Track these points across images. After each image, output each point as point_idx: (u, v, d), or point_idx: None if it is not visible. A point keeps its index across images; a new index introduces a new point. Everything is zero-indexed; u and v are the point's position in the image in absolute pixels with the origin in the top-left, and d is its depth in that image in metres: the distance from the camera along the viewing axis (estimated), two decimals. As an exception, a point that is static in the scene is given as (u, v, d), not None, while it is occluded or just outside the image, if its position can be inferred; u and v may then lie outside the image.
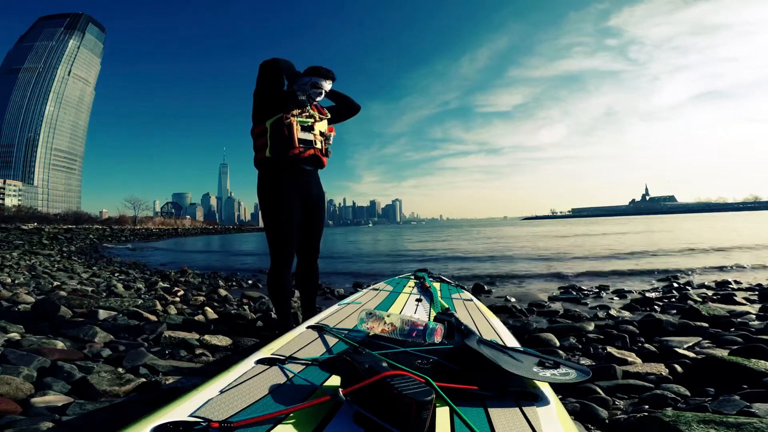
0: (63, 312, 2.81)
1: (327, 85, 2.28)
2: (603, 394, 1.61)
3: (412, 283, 2.64)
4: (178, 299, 4.08)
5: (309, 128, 2.27)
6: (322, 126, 2.34)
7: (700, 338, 2.44)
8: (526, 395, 0.83)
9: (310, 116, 2.28)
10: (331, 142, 2.38)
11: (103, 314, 2.83)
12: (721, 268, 6.80)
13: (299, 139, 2.21)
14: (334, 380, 0.87)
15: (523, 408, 0.78)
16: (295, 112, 2.22)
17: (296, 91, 2.29)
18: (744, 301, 3.82)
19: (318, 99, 2.30)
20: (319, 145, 2.30)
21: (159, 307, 3.35)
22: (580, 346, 2.36)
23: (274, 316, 3.05)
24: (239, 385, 0.81)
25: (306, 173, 2.29)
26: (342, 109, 2.52)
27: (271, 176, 2.24)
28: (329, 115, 2.43)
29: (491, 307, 3.03)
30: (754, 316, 3.02)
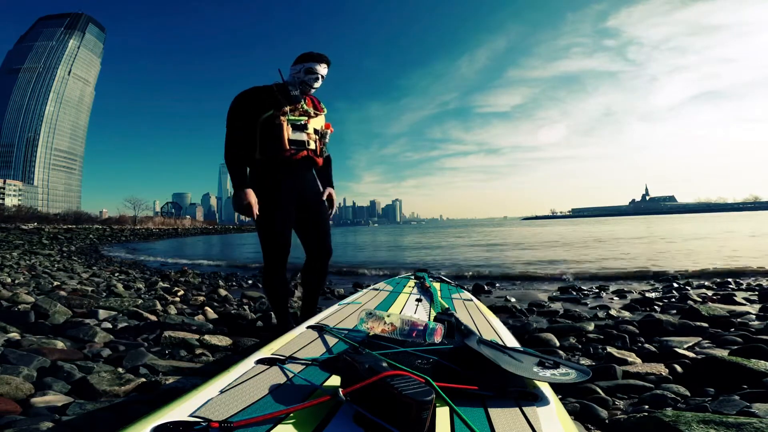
0: (63, 312, 2.81)
1: (323, 70, 2.11)
2: (603, 394, 1.61)
3: (412, 283, 2.64)
4: (178, 299, 4.08)
5: (302, 127, 2.11)
6: (317, 123, 2.19)
7: (700, 338, 2.44)
8: (526, 395, 0.83)
9: (304, 113, 2.12)
10: (327, 140, 2.24)
11: (103, 314, 2.83)
12: (721, 271, 6.78)
13: (290, 140, 2.07)
14: (334, 380, 0.87)
15: (523, 408, 0.78)
16: (286, 109, 2.06)
17: (288, 83, 2.12)
18: (744, 301, 3.82)
19: (315, 86, 2.12)
20: (312, 146, 2.14)
21: (159, 307, 3.35)
22: (580, 346, 2.36)
23: (274, 318, 3.05)
24: (239, 385, 0.80)
25: (300, 175, 2.16)
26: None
27: (261, 177, 2.11)
28: (326, 110, 2.26)
29: (491, 307, 3.04)
30: (754, 316, 3.01)
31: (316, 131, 2.18)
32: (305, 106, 2.15)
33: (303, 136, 2.11)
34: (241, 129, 2.06)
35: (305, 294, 2.39)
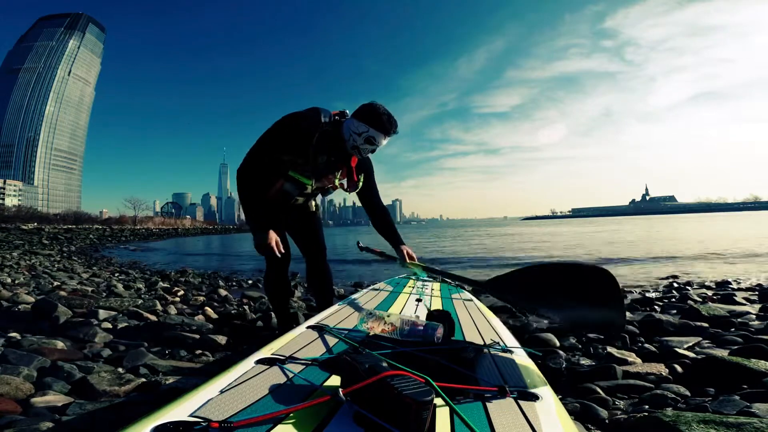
0: (63, 312, 2.81)
1: (384, 141, 1.80)
2: (603, 394, 1.61)
3: (412, 283, 2.64)
4: (178, 299, 4.08)
5: (302, 186, 1.91)
6: (323, 189, 2.01)
7: (700, 338, 2.44)
8: (526, 395, 0.83)
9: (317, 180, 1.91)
10: (327, 195, 2.06)
11: (103, 314, 2.83)
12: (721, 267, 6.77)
13: (280, 190, 1.89)
14: (334, 380, 0.87)
15: (523, 407, 0.78)
16: (300, 162, 1.82)
17: (345, 137, 1.76)
18: (744, 301, 3.82)
19: (366, 156, 1.87)
20: (300, 201, 2.03)
21: (159, 307, 3.35)
22: (580, 346, 2.36)
23: (274, 318, 3.04)
24: (239, 385, 0.80)
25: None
26: (376, 221, 2.11)
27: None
28: (361, 180, 1.96)
29: (491, 307, 3.03)
30: (754, 316, 3.01)
31: (316, 190, 2.01)
32: (326, 183, 1.94)
33: (295, 192, 1.91)
34: (267, 166, 1.83)
35: (316, 299, 2.34)
